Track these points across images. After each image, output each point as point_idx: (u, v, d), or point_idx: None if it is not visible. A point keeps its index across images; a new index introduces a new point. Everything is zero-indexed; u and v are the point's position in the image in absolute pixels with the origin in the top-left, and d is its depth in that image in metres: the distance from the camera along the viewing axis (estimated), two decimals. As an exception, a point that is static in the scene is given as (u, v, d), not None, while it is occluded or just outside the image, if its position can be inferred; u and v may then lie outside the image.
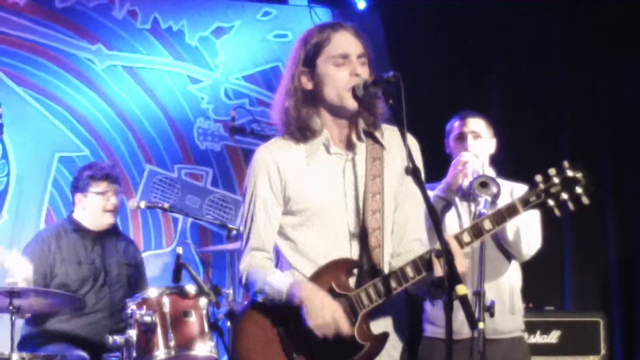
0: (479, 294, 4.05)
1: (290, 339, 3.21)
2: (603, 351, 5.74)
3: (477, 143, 4.53)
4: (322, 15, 7.06)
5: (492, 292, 4.28)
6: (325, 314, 3.11)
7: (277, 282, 3.20)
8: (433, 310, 4.54)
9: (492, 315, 4.07)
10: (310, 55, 3.26)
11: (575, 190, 3.19)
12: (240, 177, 6.83)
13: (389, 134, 3.33)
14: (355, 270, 3.23)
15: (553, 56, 6.91)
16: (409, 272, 3.16)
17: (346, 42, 3.24)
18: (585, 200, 3.20)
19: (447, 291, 2.91)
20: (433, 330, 4.55)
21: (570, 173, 3.20)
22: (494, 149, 4.66)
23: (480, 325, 4.01)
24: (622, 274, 6.80)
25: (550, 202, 3.21)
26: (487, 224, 3.22)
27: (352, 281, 3.23)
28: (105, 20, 6.69)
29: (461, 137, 4.56)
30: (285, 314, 3.20)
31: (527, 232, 4.42)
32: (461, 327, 4.17)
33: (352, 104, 3.22)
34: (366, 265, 3.23)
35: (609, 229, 6.86)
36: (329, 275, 3.21)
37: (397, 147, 3.31)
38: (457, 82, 6.86)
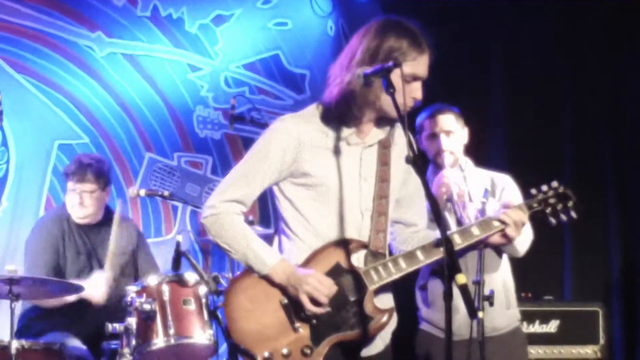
0: (478, 283, 4.06)
1: (293, 308, 3.27)
2: (602, 341, 5.75)
3: (449, 140, 4.51)
4: (323, 4, 7.05)
5: (485, 289, 4.24)
6: (309, 279, 3.20)
7: (263, 253, 3.29)
8: (429, 313, 4.53)
9: (491, 304, 4.07)
10: (383, 56, 3.25)
11: (567, 203, 3.70)
12: (240, 166, 6.82)
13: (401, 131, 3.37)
14: (361, 251, 3.32)
15: (554, 56, 6.90)
16: (420, 256, 3.34)
17: (424, 67, 3.35)
18: (574, 214, 3.70)
19: (447, 280, 2.92)
20: (430, 328, 4.54)
21: (561, 189, 3.70)
22: (467, 139, 4.63)
23: (480, 314, 4.02)
24: (621, 263, 6.80)
25: (548, 210, 3.67)
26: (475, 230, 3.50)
27: (356, 261, 3.32)
28: (105, 7, 6.68)
29: (433, 136, 4.54)
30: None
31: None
32: (459, 329, 4.15)
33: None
34: (371, 248, 3.32)
35: (610, 218, 6.86)
36: (336, 253, 3.30)
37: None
38: (457, 76, 6.84)
